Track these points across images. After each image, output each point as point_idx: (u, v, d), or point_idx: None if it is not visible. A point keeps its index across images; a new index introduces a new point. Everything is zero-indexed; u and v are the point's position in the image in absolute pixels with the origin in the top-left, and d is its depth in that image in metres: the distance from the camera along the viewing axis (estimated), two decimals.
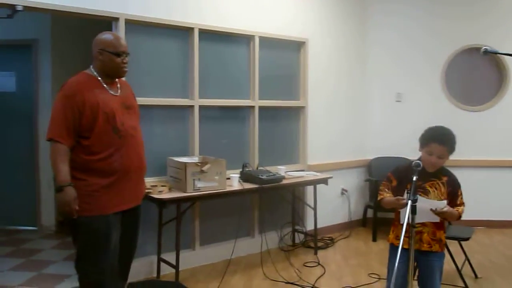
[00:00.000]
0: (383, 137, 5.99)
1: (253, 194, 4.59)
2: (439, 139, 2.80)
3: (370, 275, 4.27)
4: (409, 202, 2.58)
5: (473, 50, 5.85)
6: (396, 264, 2.46)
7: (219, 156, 4.21)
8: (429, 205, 2.71)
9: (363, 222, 5.93)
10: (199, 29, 4.35)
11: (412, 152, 6.05)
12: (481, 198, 5.53)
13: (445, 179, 2.87)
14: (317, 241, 4.92)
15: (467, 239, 3.99)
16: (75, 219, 2.77)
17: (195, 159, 4.22)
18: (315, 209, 4.88)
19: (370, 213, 5.82)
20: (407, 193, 2.61)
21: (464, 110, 5.91)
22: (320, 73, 5.43)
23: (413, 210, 2.57)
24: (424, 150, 2.86)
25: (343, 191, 5.71)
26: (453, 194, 2.85)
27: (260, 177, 4.27)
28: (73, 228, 2.85)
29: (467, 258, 4.21)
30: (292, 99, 5.26)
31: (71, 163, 2.78)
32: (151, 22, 4.08)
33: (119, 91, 2.97)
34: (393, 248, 2.96)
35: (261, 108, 4.91)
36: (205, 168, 3.88)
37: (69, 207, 2.70)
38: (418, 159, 2.88)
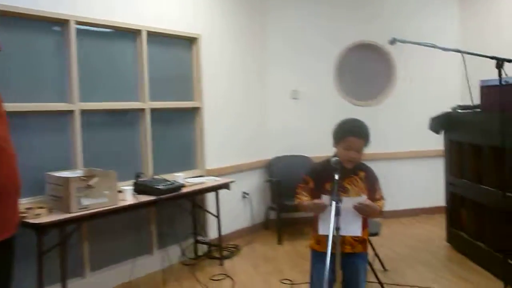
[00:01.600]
0: (281, 136, 5.78)
1: (149, 206, 4.06)
2: (356, 132, 2.56)
3: (282, 281, 3.97)
4: (333, 204, 2.33)
5: (364, 48, 5.92)
6: (327, 271, 2.18)
7: (107, 168, 3.61)
8: (351, 204, 2.48)
9: (265, 225, 5.67)
10: (76, 21, 3.71)
11: (310, 150, 6.11)
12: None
13: (362, 174, 2.64)
14: (222, 250, 4.54)
15: (375, 234, 3.88)
16: None
17: (79, 172, 3.58)
18: (218, 216, 4.49)
19: (272, 214, 5.58)
20: (328, 194, 2.37)
21: (357, 106, 5.91)
22: (215, 71, 5.03)
23: (337, 212, 2.31)
24: (340, 145, 2.59)
25: (244, 195, 5.38)
26: (372, 189, 2.63)
27: (157, 187, 3.77)
28: None
29: (375, 253, 4.11)
30: (186, 100, 4.81)
31: None
32: (18, 13, 3.36)
33: None
34: (315, 254, 2.67)
35: (153, 111, 4.38)
36: (92, 182, 3.29)
37: None
38: (333, 156, 2.64)
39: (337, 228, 2.30)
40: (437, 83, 6.04)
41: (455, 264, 4.23)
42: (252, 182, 5.56)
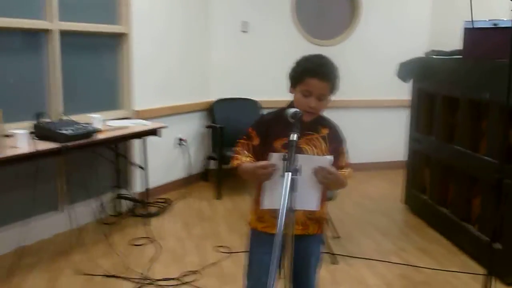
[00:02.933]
0: (226, 75, 4.94)
1: (50, 157, 3.13)
2: (319, 73, 1.81)
3: (218, 248, 3.33)
4: (288, 175, 1.62)
5: None
6: (276, 259, 1.49)
7: None
8: (311, 164, 1.74)
9: (204, 176, 4.96)
10: None
11: (260, 93, 5.04)
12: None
13: (325, 132, 1.91)
14: (147, 206, 3.80)
15: (329, 199, 3.24)
16: None
17: None
18: (145, 168, 3.71)
19: (212, 164, 4.87)
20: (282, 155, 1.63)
21: (317, 45, 5.11)
22: None
23: (293, 185, 1.61)
24: (298, 89, 1.84)
25: (181, 141, 4.61)
26: (336, 153, 1.90)
27: (62, 131, 2.90)
28: None
29: (330, 220, 3.51)
30: (110, 22, 3.84)
31: None
32: None
33: None
34: (256, 234, 1.99)
35: (64, 34, 3.42)
36: None
37: None
38: (289, 105, 1.92)
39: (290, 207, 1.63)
40: (407, 22, 5.34)
41: (414, 231, 3.72)
42: (190, 127, 4.76)
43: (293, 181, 1.59)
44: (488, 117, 3.13)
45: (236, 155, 1.93)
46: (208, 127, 4.83)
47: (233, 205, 4.27)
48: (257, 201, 1.96)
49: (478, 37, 3.29)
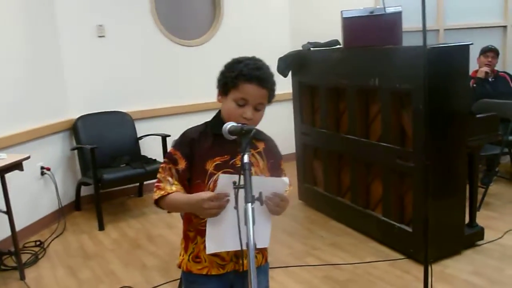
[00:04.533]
0: (86, 88, 4.29)
1: None
2: (259, 78, 1.51)
3: None
4: (249, 206, 1.29)
5: None
6: None
7: None
8: (265, 189, 1.42)
9: (76, 205, 4.28)
10: None
11: (128, 104, 4.46)
12: None
13: (261, 146, 1.62)
14: (18, 255, 3.07)
15: None
16: None
17: None
18: (9, 211, 2.98)
19: (85, 190, 4.23)
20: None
21: (182, 46, 4.74)
22: None
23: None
24: (230, 97, 1.52)
25: (44, 170, 3.89)
26: (275, 169, 1.64)
27: None
28: None
29: None
30: None
31: None
32: None
33: None
34: (192, 280, 1.60)
35: None
36: None
37: None
38: (215, 117, 1.60)
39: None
40: (269, 16, 5.26)
41: (318, 226, 3.64)
42: (52, 152, 4.03)
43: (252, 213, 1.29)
44: (380, 103, 3.16)
45: (158, 184, 1.53)
46: (73, 149, 4.16)
47: (120, 234, 3.72)
48: (187, 236, 1.60)
49: (356, 26, 3.30)
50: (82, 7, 4.26)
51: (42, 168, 3.86)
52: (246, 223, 1.30)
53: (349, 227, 3.56)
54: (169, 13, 4.77)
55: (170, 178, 1.53)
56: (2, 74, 3.48)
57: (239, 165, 1.42)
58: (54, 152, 4.08)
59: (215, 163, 1.52)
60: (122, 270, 3.09)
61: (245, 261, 1.44)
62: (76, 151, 4.17)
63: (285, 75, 3.92)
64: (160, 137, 4.11)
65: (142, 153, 4.34)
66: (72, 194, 4.24)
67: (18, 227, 3.15)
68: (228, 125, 1.43)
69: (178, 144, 1.58)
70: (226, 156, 1.53)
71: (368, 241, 3.32)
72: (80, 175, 4.18)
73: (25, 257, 3.24)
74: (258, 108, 1.54)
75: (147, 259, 3.22)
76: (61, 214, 3.99)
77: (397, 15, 3.17)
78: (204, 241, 1.47)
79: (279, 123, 4.97)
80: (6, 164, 2.88)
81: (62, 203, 4.03)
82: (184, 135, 1.59)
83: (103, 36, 4.34)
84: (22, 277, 3.00)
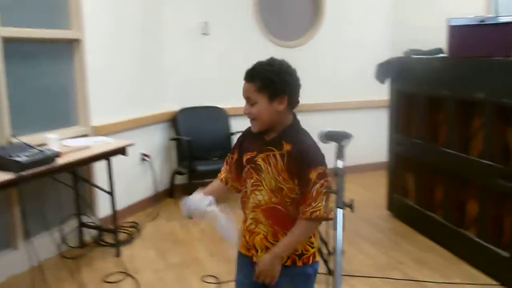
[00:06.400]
0: (187, 81, 4.52)
1: (4, 189, 2.62)
2: (246, 74, 1.61)
3: (204, 279, 2.91)
4: (339, 210, 1.30)
5: None
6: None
7: None
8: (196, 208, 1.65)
9: (170, 193, 4.52)
10: None
11: (225, 100, 4.53)
12: None
13: (287, 148, 1.58)
14: (116, 234, 3.33)
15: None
16: None
17: None
18: (111, 192, 3.23)
19: (179, 179, 4.44)
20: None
21: (282, 47, 4.79)
22: None
23: None
24: None
25: (144, 157, 4.16)
26: (298, 174, 1.56)
27: (16, 159, 2.41)
28: None
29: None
30: (60, 27, 3.34)
31: None
32: None
33: None
34: (238, 257, 1.80)
35: (7, 41, 2.87)
36: None
37: None
38: None
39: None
40: (372, 23, 5.15)
41: (404, 240, 3.48)
42: (152, 141, 4.29)
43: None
44: (483, 117, 2.97)
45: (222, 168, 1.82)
46: (172, 139, 4.40)
47: (208, 224, 3.86)
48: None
49: (464, 34, 3.12)
50: (189, 4, 4.47)
51: (142, 154, 4.12)
52: (334, 227, 1.32)
53: (437, 244, 3.37)
54: (271, 14, 4.84)
55: (225, 165, 1.79)
56: (115, 65, 3.78)
57: (258, 163, 1.60)
58: (154, 141, 4.33)
59: (247, 157, 1.66)
60: (208, 259, 3.22)
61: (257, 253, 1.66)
62: (174, 142, 4.40)
63: (382, 82, 3.82)
64: None
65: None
66: (167, 181, 4.48)
67: (118, 207, 3.41)
68: (325, 130, 1.44)
69: (238, 138, 1.77)
70: (254, 152, 1.63)
71: (457, 261, 3.13)
72: (176, 165, 4.41)
73: (121, 236, 3.50)
74: (250, 102, 1.59)
75: (233, 251, 3.32)
76: (156, 199, 4.25)
77: (511, 26, 2.95)
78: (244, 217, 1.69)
79: (371, 129, 4.92)
80: (112, 148, 3.14)
81: (158, 189, 4.30)
82: (245, 130, 1.74)
83: (206, 34, 4.53)
84: (118, 254, 3.25)
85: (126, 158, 3.39)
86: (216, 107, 4.51)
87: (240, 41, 4.65)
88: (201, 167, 3.98)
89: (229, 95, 4.56)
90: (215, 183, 1.80)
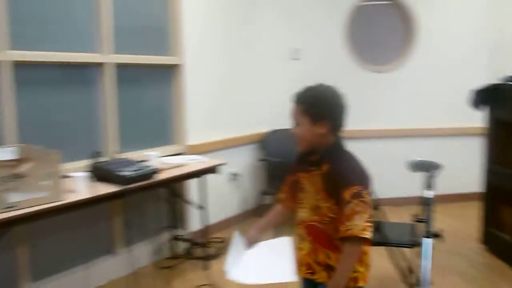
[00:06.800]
0: (278, 104, 4.65)
1: (110, 201, 2.88)
2: (294, 96, 1.72)
3: None
4: (428, 240, 1.30)
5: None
6: None
7: (52, 143, 2.48)
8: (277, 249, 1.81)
9: (258, 212, 4.62)
10: None
11: None
12: (389, 174, 4.52)
13: (326, 168, 1.64)
14: (207, 250, 3.49)
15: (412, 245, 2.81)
16: None
17: (8, 151, 2.42)
18: (203, 207, 3.41)
19: (267, 199, 4.53)
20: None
21: (371, 72, 4.80)
22: (200, 20, 3.84)
23: None
24: None
25: (233, 176, 4.33)
26: (334, 194, 1.60)
27: (122, 174, 2.65)
28: None
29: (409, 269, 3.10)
30: (163, 54, 3.64)
31: None
32: None
33: None
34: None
35: (118, 67, 3.21)
36: (23, 169, 2.16)
37: None
38: None
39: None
40: (467, 48, 4.95)
41: (502, 278, 3.25)
42: (242, 161, 4.45)
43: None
44: None
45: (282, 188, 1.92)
46: (261, 160, 4.53)
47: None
48: None
49: None
50: (281, 30, 4.64)
51: (232, 173, 4.29)
52: (422, 257, 1.32)
53: None
54: (362, 39, 4.85)
55: (284, 186, 1.90)
56: (210, 88, 4.01)
57: (303, 182, 1.71)
58: (244, 161, 4.49)
59: (297, 177, 1.77)
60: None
61: (302, 268, 1.74)
62: (263, 162, 4.53)
63: (478, 108, 3.65)
64: None
65: None
66: (255, 200, 4.61)
67: (208, 223, 3.57)
68: (415, 159, 1.46)
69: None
70: (301, 172, 1.74)
71: None
72: (264, 185, 4.52)
73: (210, 250, 3.63)
74: (297, 123, 1.69)
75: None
76: (244, 217, 4.38)
77: None
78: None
79: (464, 157, 4.71)
80: (205, 167, 3.32)
81: (246, 207, 4.43)
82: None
83: (297, 59, 4.66)
84: (207, 267, 3.39)
85: (217, 176, 3.57)
86: None
87: (330, 65, 4.69)
88: None
89: None
90: (276, 207, 1.94)
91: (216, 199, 4.03)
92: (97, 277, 3.09)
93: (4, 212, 2.12)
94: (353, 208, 1.54)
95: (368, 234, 1.52)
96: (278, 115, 4.61)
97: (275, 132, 4.55)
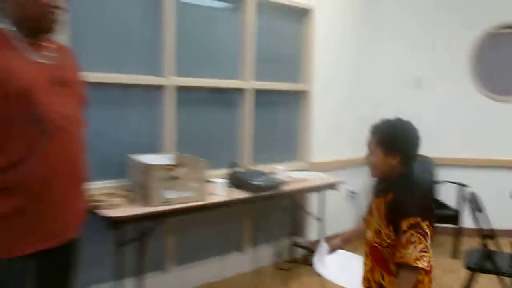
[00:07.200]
0: None
1: (242, 204, 3.38)
2: (371, 127, 1.91)
3: None
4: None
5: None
6: None
7: (200, 153, 3.04)
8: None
9: None
10: None
11: (433, 149, 4.59)
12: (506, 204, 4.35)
13: (389, 197, 1.78)
14: None
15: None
16: None
17: (167, 158, 3.04)
18: (321, 219, 3.75)
19: None
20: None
21: (498, 102, 4.72)
22: (323, 49, 4.20)
23: None
24: None
25: (352, 194, 4.58)
26: (394, 222, 1.72)
27: (254, 182, 3.11)
28: None
29: None
30: (294, 81, 4.06)
31: None
32: None
33: (51, 58, 1.76)
34: None
35: (256, 92, 3.72)
36: (177, 173, 2.72)
37: None
38: None
39: None
40: None
41: None
42: (359, 180, 4.68)
43: None
44: None
45: None
46: None
47: None
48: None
49: None
50: (404, 58, 4.80)
51: (351, 191, 4.54)
52: None
53: None
54: (488, 68, 4.79)
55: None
56: (327, 108, 4.33)
57: (372, 206, 1.92)
58: (361, 181, 4.70)
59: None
60: None
61: (364, 281, 1.93)
62: None
63: None
64: (455, 185, 4.25)
65: (438, 197, 4.52)
66: None
67: (325, 234, 3.88)
68: None
69: None
70: (373, 196, 1.95)
71: None
72: None
73: None
74: (371, 152, 1.86)
75: None
76: (358, 234, 4.58)
77: None
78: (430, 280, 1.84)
79: None
80: (325, 183, 3.65)
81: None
82: None
83: (419, 87, 4.77)
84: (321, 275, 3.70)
85: (336, 192, 3.87)
86: (422, 155, 4.65)
87: (453, 94, 4.73)
88: None
89: (435, 144, 4.70)
90: (360, 224, 2.19)
91: (333, 213, 4.31)
92: (227, 269, 3.58)
93: (162, 205, 2.68)
94: (409, 238, 1.66)
95: (421, 264, 1.65)
96: None
97: None
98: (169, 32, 3.11)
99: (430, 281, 1.82)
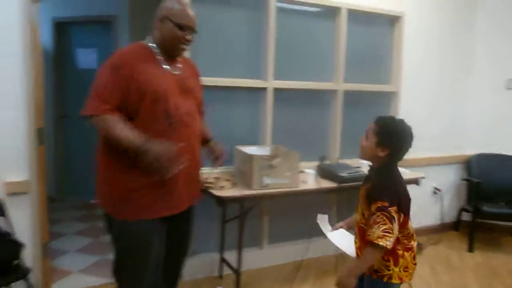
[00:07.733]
0: (487, 131, 4.82)
1: (329, 193, 3.76)
2: (377, 117, 2.08)
3: None
4: None
5: None
6: None
7: (294, 145, 3.47)
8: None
9: (455, 226, 4.89)
10: None
11: None
12: None
13: (370, 184, 2.00)
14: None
15: None
16: (110, 219, 2.22)
17: (266, 149, 3.49)
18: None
19: (465, 216, 4.77)
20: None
21: None
22: (417, 54, 4.38)
23: None
24: None
25: (436, 190, 4.71)
26: (370, 207, 1.92)
27: (340, 174, 3.45)
28: (110, 229, 2.28)
29: None
30: (382, 83, 4.31)
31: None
32: None
33: (179, 69, 2.30)
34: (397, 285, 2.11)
35: (346, 93, 4.04)
36: (274, 162, 3.14)
37: (167, 159, 2.04)
38: None
39: None
40: None
41: None
42: (445, 178, 4.78)
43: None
44: None
45: None
46: (464, 179, 4.78)
47: (484, 260, 4.13)
48: (396, 253, 2.00)
49: None
50: (495, 59, 4.77)
51: (435, 188, 4.68)
52: None
53: None
54: None
55: None
56: (415, 108, 4.48)
57: (360, 192, 2.08)
58: (448, 178, 4.81)
59: None
60: (474, 287, 3.57)
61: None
62: (465, 182, 4.77)
63: None
64: None
65: None
66: (453, 215, 4.89)
67: None
68: None
69: None
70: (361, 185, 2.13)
71: None
72: (464, 202, 4.76)
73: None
74: (367, 136, 2.05)
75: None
76: (441, 229, 4.73)
77: None
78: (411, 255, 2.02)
79: None
80: (407, 178, 3.84)
81: (444, 220, 4.77)
82: None
83: (510, 89, 4.76)
84: None
85: (420, 188, 4.06)
86: (509, 156, 4.64)
87: None
88: (487, 209, 4.24)
89: None
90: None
91: (416, 208, 4.47)
92: (311, 251, 3.96)
93: (261, 189, 3.12)
94: (375, 219, 1.85)
95: (382, 242, 1.80)
96: (486, 141, 4.80)
97: (481, 156, 4.73)
98: (270, 41, 3.56)
99: (413, 257, 2.03)
